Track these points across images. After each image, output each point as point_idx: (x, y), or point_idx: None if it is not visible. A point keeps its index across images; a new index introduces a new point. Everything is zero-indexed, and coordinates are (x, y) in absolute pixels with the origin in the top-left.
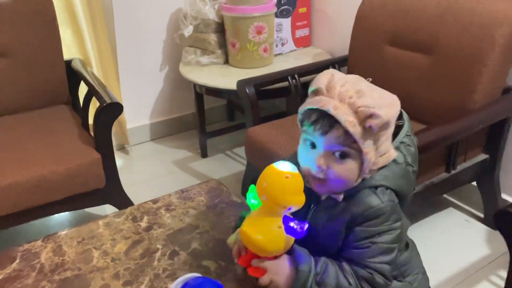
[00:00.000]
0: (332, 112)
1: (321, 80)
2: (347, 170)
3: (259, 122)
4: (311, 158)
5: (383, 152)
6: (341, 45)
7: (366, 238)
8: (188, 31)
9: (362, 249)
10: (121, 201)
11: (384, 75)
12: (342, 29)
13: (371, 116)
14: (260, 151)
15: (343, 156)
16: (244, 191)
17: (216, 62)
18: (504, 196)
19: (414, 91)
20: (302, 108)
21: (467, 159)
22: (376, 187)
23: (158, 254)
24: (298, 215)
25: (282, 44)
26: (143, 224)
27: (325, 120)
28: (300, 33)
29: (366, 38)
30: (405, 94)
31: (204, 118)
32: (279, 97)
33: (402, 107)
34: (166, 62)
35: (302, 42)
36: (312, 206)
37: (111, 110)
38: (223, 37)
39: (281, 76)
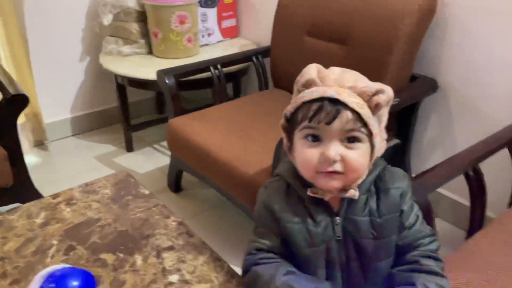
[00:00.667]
0: (337, 96)
1: (310, 72)
2: (362, 155)
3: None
4: (318, 154)
5: (383, 138)
6: (267, 36)
7: (412, 211)
8: (107, 20)
9: (417, 224)
10: (33, 200)
11: (303, 64)
12: (267, 19)
13: (377, 93)
14: (182, 142)
15: (354, 141)
16: (170, 184)
17: (139, 52)
18: None
19: None
20: (295, 105)
21: None
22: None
23: (52, 251)
24: (324, 236)
25: (209, 35)
26: (39, 220)
27: (329, 107)
28: (227, 23)
29: (286, 28)
30: None
31: (127, 110)
32: (203, 88)
33: None
34: (86, 52)
35: (230, 33)
36: (337, 221)
37: (16, 103)
38: (145, 26)
39: (203, 66)
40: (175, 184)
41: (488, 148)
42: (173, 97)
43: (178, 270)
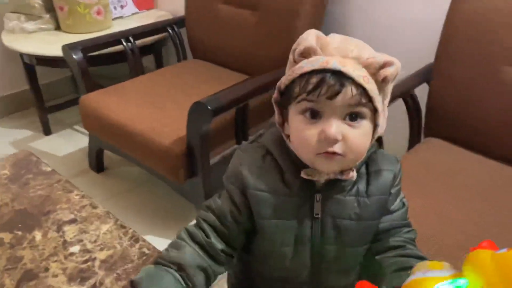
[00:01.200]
0: (341, 68)
1: (309, 39)
2: (365, 134)
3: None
4: (317, 133)
5: (386, 115)
6: (183, 6)
7: (398, 196)
8: None
9: (402, 209)
10: None
11: (220, 32)
12: None
13: (385, 65)
14: (97, 119)
15: (357, 118)
16: (91, 164)
17: (45, 28)
18: None
19: (246, 46)
20: (292, 76)
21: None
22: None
23: None
24: (302, 215)
25: (122, 7)
26: None
27: (332, 80)
28: None
29: None
30: (238, 50)
31: (40, 92)
32: (117, 63)
33: (237, 63)
34: None
35: (144, 4)
36: (318, 198)
37: None
38: None
39: (113, 39)
40: (97, 164)
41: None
42: (82, 72)
43: (80, 240)
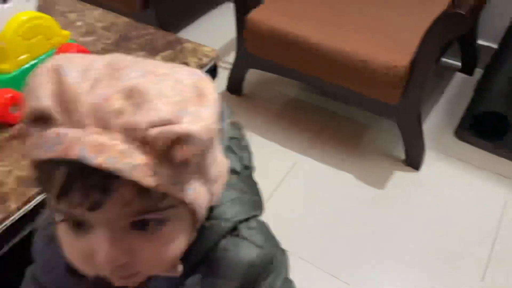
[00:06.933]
0: (94, 161)
1: (38, 89)
2: (168, 243)
3: None
4: (85, 250)
5: (218, 174)
6: None
7: None
8: None
9: None
10: None
11: None
12: None
13: (179, 140)
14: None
15: (152, 226)
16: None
17: None
18: None
19: None
20: (30, 156)
21: None
22: (235, 228)
23: None
24: None
25: None
26: None
27: (87, 180)
28: None
29: None
30: None
31: None
32: None
33: None
34: None
35: None
36: None
37: None
38: None
39: None
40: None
41: None
42: None
43: None
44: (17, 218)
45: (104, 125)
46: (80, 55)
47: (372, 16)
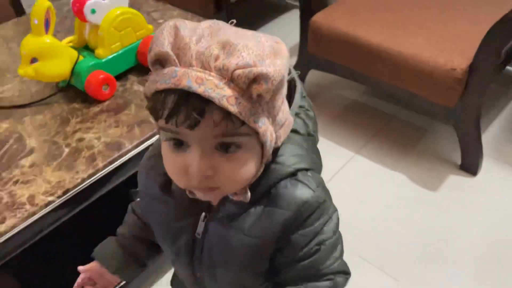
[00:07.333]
0: (196, 89)
1: (160, 39)
2: (242, 165)
3: None
4: (182, 166)
5: (283, 121)
6: None
7: (310, 242)
8: None
9: (311, 258)
10: None
11: None
12: None
13: (256, 79)
14: (333, 40)
15: (231, 147)
16: None
17: None
18: None
19: None
20: (148, 91)
21: None
22: (294, 174)
23: None
24: (183, 231)
25: None
26: None
27: (190, 105)
28: None
29: None
30: None
31: None
32: None
33: None
34: None
35: None
36: (204, 217)
37: None
38: None
39: None
40: None
41: None
42: None
43: None
44: (103, 175)
45: (205, 66)
46: (190, 21)
47: (435, 20)
